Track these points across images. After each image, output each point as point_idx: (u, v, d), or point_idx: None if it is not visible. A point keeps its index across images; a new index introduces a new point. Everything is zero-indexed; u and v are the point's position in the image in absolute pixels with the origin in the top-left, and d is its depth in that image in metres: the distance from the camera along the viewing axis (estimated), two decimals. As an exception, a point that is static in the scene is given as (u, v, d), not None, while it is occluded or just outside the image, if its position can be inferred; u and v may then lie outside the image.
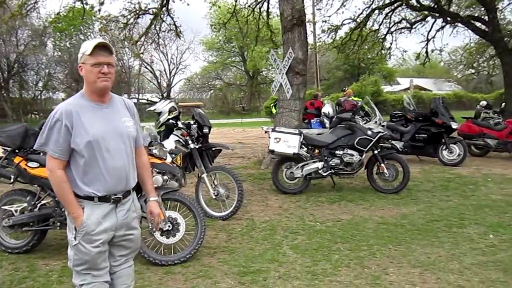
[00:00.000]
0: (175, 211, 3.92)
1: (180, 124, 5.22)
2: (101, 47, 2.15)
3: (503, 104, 14.35)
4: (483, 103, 12.38)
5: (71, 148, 2.15)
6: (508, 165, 8.61)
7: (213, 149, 5.43)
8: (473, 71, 40.09)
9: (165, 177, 4.09)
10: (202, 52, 49.39)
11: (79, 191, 2.18)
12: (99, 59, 2.13)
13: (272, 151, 6.41)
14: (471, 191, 6.38)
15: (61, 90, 38.08)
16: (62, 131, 2.12)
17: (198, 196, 5.30)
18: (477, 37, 17.84)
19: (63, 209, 3.59)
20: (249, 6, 13.89)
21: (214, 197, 5.10)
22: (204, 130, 5.33)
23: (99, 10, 11.71)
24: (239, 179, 5.16)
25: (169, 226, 3.78)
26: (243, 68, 49.99)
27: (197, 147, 5.19)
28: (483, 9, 15.24)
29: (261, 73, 50.48)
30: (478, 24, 14.92)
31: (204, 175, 5.09)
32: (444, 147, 8.68)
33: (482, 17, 15.34)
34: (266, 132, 6.61)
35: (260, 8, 13.79)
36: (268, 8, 13.69)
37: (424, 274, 3.51)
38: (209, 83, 52.92)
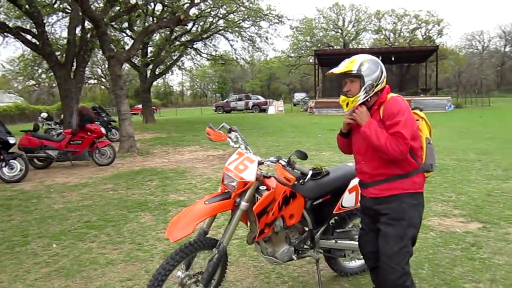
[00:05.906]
0: None
1: None
2: None
3: (62, 115, 15.19)
4: (44, 114, 12.72)
5: None
6: (69, 173, 9.17)
7: None
8: (34, 82, 39.83)
9: None
10: None
11: None
12: None
13: None
14: (34, 205, 6.38)
15: None
16: None
17: None
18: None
19: None
20: None
21: None
22: None
23: None
24: None
25: None
26: None
27: None
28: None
29: None
30: (29, 36, 14.92)
31: None
32: (4, 164, 8.25)
33: (33, 30, 15.44)
34: None
35: None
36: None
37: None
38: None
